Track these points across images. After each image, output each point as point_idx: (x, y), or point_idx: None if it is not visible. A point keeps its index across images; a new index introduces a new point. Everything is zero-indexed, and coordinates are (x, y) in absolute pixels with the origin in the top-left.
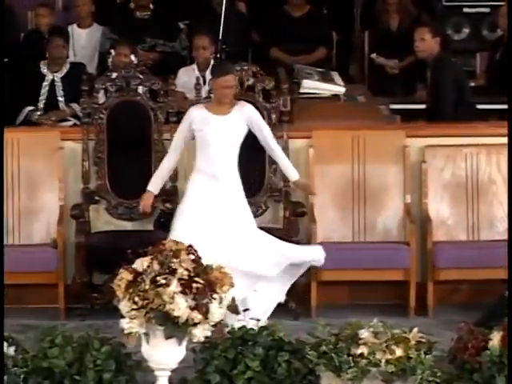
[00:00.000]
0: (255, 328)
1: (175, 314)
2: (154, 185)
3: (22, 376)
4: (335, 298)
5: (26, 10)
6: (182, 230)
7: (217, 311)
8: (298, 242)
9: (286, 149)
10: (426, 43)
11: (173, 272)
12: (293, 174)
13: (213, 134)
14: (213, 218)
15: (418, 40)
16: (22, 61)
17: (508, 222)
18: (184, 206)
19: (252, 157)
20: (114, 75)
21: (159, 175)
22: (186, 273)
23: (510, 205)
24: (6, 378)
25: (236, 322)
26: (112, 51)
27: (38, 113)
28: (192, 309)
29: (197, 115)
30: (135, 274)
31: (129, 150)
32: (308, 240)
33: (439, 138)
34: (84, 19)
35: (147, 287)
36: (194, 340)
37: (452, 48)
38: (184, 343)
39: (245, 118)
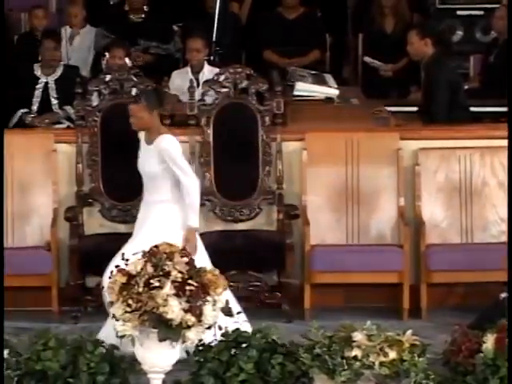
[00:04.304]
0: (249, 330)
1: (169, 316)
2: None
3: (15, 379)
4: (329, 301)
5: (20, 12)
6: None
7: (210, 313)
8: (291, 245)
9: (279, 151)
10: (414, 46)
11: (166, 274)
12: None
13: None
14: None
15: (408, 43)
16: (16, 63)
17: (508, 223)
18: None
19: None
20: (108, 78)
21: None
22: (179, 275)
23: (509, 205)
24: None
25: (231, 324)
26: (106, 53)
27: (32, 115)
28: (186, 311)
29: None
30: (129, 277)
31: (122, 153)
32: (302, 242)
33: (433, 141)
34: (77, 20)
35: (141, 290)
36: (188, 342)
37: (447, 49)
38: (178, 346)
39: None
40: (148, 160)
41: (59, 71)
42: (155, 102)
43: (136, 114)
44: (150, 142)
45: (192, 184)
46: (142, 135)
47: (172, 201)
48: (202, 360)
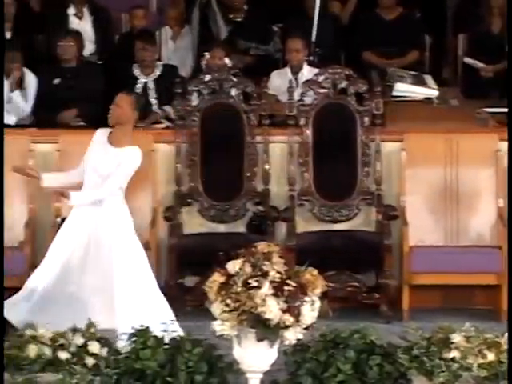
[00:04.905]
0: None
1: (267, 316)
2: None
3: (114, 377)
4: (427, 302)
5: (120, 12)
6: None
7: (308, 314)
8: (390, 246)
9: (378, 152)
10: None
11: (265, 274)
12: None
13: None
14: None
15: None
16: (116, 63)
17: (508, 223)
18: None
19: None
20: (208, 78)
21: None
22: (277, 275)
23: (509, 207)
24: (98, 378)
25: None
26: (206, 54)
27: None
28: (284, 311)
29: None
30: (227, 277)
31: (221, 153)
32: (400, 243)
33: None
34: (177, 22)
35: (239, 289)
36: (286, 342)
37: None
38: (276, 346)
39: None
40: (107, 161)
41: (158, 71)
42: (139, 107)
43: (121, 103)
44: (116, 145)
45: (105, 194)
46: (103, 134)
47: (121, 201)
48: (299, 360)
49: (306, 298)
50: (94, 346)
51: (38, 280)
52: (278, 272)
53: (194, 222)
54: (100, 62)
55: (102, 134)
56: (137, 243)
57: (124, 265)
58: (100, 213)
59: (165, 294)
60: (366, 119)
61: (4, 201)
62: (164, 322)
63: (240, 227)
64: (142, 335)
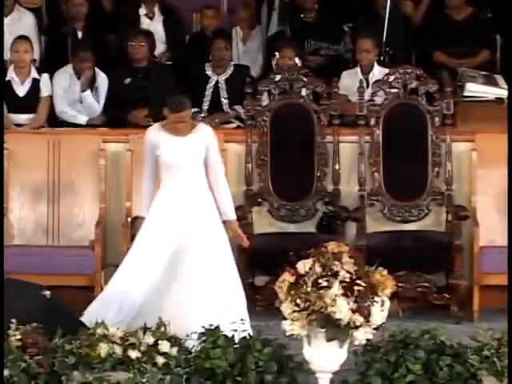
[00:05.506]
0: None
1: (337, 316)
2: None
3: (184, 376)
4: (497, 302)
5: (191, 12)
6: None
7: (378, 314)
8: (460, 246)
9: (448, 152)
10: None
11: (335, 274)
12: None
13: (171, 156)
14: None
15: None
16: (188, 63)
17: (508, 223)
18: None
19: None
20: (278, 78)
21: (148, 197)
22: (347, 275)
23: (509, 208)
24: (168, 377)
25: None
26: (276, 54)
27: (202, 114)
28: (354, 311)
29: (154, 138)
30: (297, 276)
31: (292, 153)
32: (470, 243)
33: None
34: (248, 23)
35: (309, 289)
36: (356, 343)
37: None
38: (345, 346)
39: (203, 140)
40: (186, 151)
41: (229, 71)
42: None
43: (186, 118)
44: (182, 134)
45: (224, 174)
46: (156, 132)
47: (208, 189)
48: (369, 360)
49: (376, 298)
50: (164, 345)
51: (130, 289)
52: (348, 272)
53: (263, 222)
54: (169, 62)
55: (155, 132)
56: (223, 238)
57: (214, 264)
58: (188, 208)
59: None
60: (437, 119)
61: (78, 199)
62: (234, 322)
63: (310, 227)
64: (212, 334)
